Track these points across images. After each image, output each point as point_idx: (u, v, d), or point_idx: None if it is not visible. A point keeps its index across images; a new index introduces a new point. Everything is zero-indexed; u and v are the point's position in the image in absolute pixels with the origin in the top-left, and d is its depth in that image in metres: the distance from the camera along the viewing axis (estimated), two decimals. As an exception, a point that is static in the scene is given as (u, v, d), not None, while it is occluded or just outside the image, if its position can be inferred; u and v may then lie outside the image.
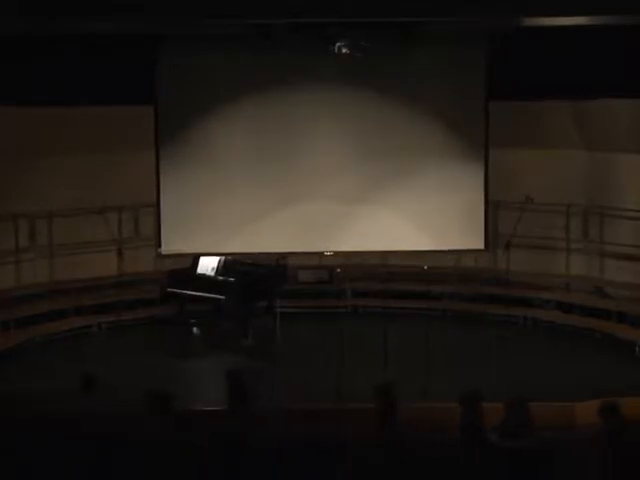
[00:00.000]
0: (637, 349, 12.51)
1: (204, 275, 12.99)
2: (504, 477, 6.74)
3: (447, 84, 14.25)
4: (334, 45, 12.54)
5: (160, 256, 14.35)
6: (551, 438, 7.14)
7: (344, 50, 12.58)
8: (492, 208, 14.68)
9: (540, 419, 8.43)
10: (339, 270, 14.01)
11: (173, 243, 14.09)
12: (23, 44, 12.99)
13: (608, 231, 14.32)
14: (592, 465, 6.94)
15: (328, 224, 14.36)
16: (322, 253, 14.75)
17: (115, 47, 13.28)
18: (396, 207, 14.46)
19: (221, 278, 12.86)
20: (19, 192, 13.94)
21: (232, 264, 13.07)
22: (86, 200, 14.23)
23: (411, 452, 6.76)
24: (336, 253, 14.49)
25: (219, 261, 12.97)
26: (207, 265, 13.02)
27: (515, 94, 13.95)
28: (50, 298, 14.20)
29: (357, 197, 14.42)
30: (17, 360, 12.29)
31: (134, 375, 11.32)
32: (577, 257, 14.64)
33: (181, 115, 14.27)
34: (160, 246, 14.02)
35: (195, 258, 13.16)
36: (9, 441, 7.41)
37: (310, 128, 14.29)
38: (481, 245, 14.41)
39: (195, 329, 13.50)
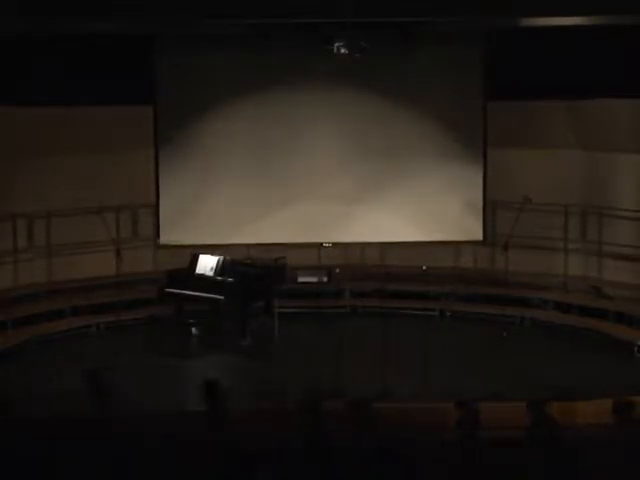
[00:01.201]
0: (636, 349, 12.50)
1: (203, 275, 12.96)
2: (346, 477, 6.72)
3: (446, 84, 14.31)
4: (332, 45, 12.56)
5: (158, 247, 14.44)
6: (397, 437, 7.15)
7: (342, 50, 12.59)
8: (490, 208, 14.73)
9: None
10: (338, 270, 14.03)
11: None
12: (23, 44, 13.00)
13: (606, 231, 14.31)
14: (444, 468, 6.94)
15: (327, 224, 14.46)
16: (321, 255, 14.85)
17: (115, 47, 13.32)
18: (395, 207, 14.54)
19: (220, 278, 12.84)
20: (18, 192, 13.94)
21: (231, 264, 13.04)
22: (85, 200, 14.21)
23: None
24: (335, 248, 14.67)
25: (217, 261, 12.95)
26: (206, 265, 13.00)
27: (514, 94, 13.99)
28: (48, 298, 14.16)
29: (356, 197, 14.49)
30: (15, 360, 12.25)
31: (132, 375, 11.32)
32: (575, 257, 14.64)
33: (181, 115, 14.32)
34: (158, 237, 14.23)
35: (193, 258, 13.14)
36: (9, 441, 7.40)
37: (310, 128, 14.35)
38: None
39: (194, 329, 13.47)
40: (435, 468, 6.84)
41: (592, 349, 12.77)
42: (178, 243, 14.21)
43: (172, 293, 13.11)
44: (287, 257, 13.63)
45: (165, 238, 14.45)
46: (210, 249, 13.36)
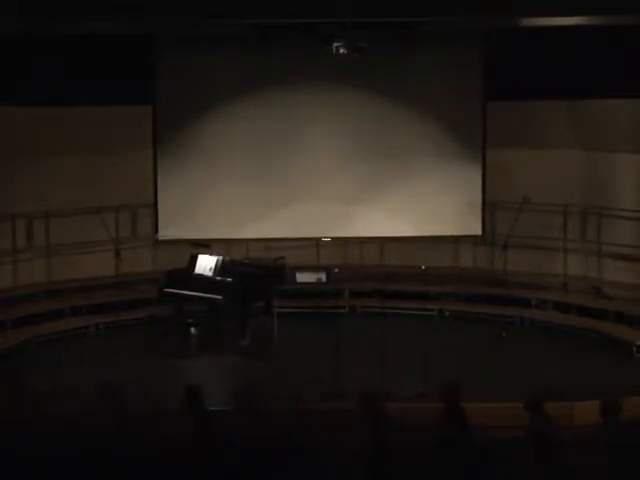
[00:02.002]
0: (635, 349, 12.50)
1: (202, 275, 12.96)
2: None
3: (446, 84, 14.33)
4: (331, 45, 12.56)
5: (157, 242, 14.47)
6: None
7: (342, 50, 12.60)
8: (490, 208, 14.74)
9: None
10: (337, 270, 14.03)
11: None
12: (23, 44, 13.01)
13: (606, 231, 14.33)
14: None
15: (327, 224, 14.48)
16: (320, 255, 14.85)
17: (115, 47, 13.33)
18: (395, 207, 14.55)
19: (219, 278, 12.84)
20: (18, 192, 13.94)
21: (230, 264, 13.05)
22: (84, 200, 14.22)
23: None
24: (334, 248, 14.77)
25: (217, 261, 12.94)
26: (205, 265, 12.99)
27: (514, 94, 14.00)
28: (48, 298, 14.18)
29: (356, 197, 14.51)
30: (15, 360, 12.23)
31: (132, 375, 11.31)
32: (575, 257, 14.66)
33: (180, 115, 14.32)
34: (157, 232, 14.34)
35: (192, 258, 13.14)
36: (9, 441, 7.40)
37: (310, 128, 14.36)
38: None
39: (193, 329, 13.47)
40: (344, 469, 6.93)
41: (592, 349, 12.77)
42: (176, 238, 14.22)
43: (171, 293, 13.11)
44: (286, 257, 13.63)
45: (163, 233, 14.47)
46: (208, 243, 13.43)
